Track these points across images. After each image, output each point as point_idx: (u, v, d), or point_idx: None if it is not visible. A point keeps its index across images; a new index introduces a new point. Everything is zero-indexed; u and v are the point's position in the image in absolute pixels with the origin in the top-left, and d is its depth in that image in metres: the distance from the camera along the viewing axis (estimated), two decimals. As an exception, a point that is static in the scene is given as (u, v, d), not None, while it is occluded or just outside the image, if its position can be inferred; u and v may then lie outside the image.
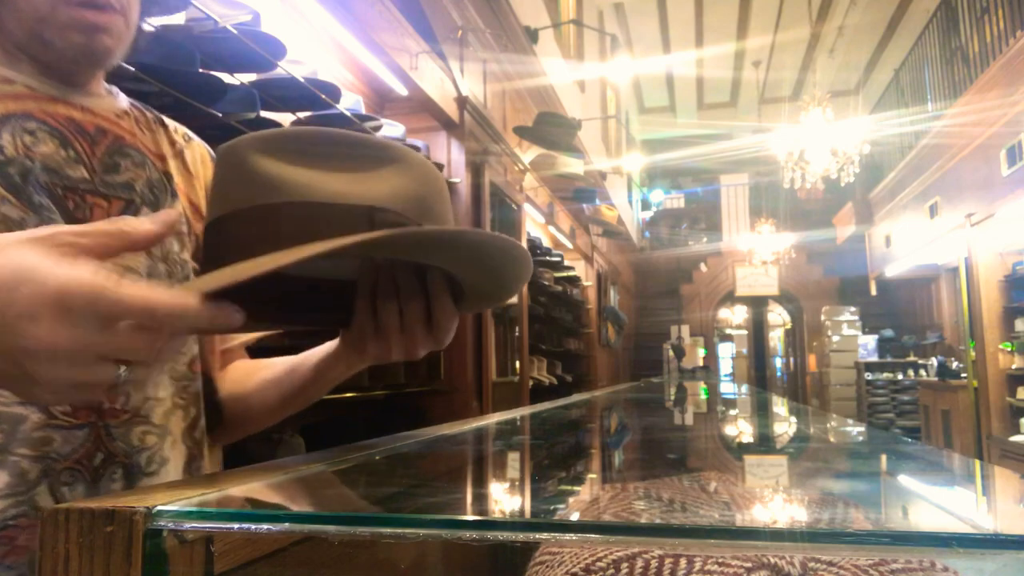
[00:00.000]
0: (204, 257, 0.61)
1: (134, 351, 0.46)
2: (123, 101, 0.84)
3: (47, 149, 0.71)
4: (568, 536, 0.32)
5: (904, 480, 0.59)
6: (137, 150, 0.79)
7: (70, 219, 0.70)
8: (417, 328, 0.66)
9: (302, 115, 2.42)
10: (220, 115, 1.93)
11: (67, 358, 0.44)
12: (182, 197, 0.84)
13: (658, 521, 0.37)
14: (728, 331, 16.77)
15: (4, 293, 0.44)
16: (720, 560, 0.48)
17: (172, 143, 0.86)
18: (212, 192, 0.63)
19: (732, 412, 1.71)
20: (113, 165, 0.76)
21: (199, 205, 0.87)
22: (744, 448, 0.90)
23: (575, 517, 0.39)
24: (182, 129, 0.91)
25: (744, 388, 3.79)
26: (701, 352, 12.70)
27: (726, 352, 16.44)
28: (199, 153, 0.91)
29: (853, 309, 11.40)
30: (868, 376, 10.17)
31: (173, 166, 0.84)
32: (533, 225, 6.42)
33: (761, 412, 1.69)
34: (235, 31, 1.90)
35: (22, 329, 0.43)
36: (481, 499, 0.47)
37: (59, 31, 0.72)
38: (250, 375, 0.88)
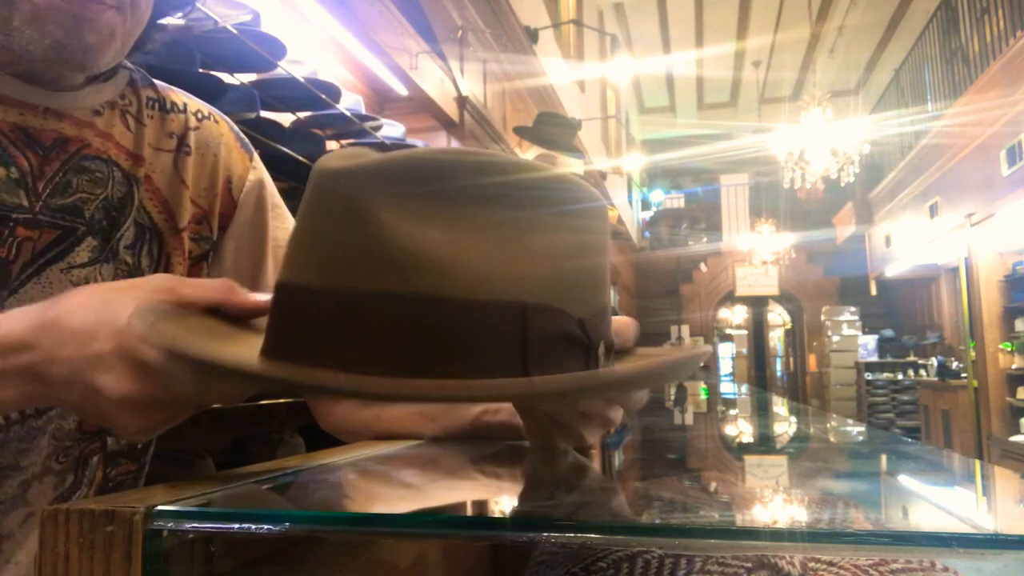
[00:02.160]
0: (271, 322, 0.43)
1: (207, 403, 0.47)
2: (112, 89, 0.70)
3: None
4: (568, 536, 0.32)
5: (904, 480, 0.59)
6: (104, 159, 0.67)
7: None
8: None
9: (302, 115, 2.42)
10: (220, 115, 1.92)
11: (134, 406, 0.44)
12: (152, 202, 0.71)
13: (658, 521, 0.37)
14: (728, 331, 16.76)
15: (80, 336, 0.44)
16: (720, 560, 0.48)
17: (170, 134, 0.73)
18: (296, 238, 0.43)
19: (732, 412, 1.71)
20: (64, 185, 0.64)
21: (200, 201, 0.75)
22: (744, 448, 0.90)
23: (574, 517, 0.39)
24: (196, 105, 0.78)
25: (744, 388, 3.80)
26: (701, 352, 12.67)
27: (726, 352, 16.44)
28: (214, 134, 0.77)
29: (853, 309, 11.40)
30: (868, 376, 10.17)
31: (161, 163, 0.72)
32: (533, 225, 6.42)
33: (761, 412, 1.69)
34: (235, 31, 1.90)
35: (91, 374, 0.44)
36: (480, 500, 0.47)
37: (31, 18, 0.57)
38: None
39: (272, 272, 0.78)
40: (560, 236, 0.42)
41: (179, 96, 0.77)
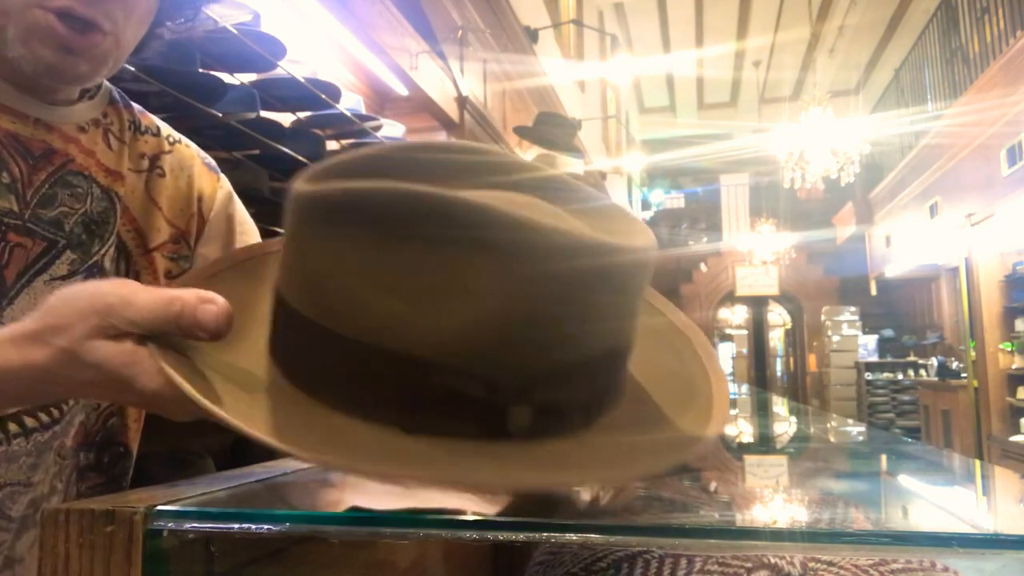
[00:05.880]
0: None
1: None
2: (96, 107, 0.71)
3: None
4: (568, 536, 0.32)
5: (904, 480, 0.59)
6: (85, 175, 0.67)
7: None
8: None
9: (302, 115, 2.42)
10: (220, 115, 1.93)
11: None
12: (124, 224, 0.71)
13: (658, 521, 0.37)
14: (728, 331, 16.75)
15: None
16: (720, 560, 0.48)
17: (141, 155, 0.74)
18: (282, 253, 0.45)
19: (732, 412, 1.71)
20: (50, 197, 0.64)
21: (176, 221, 0.76)
22: (744, 448, 0.90)
23: (575, 517, 0.39)
24: (167, 130, 0.79)
25: (744, 388, 3.80)
26: (701, 352, 12.67)
27: (726, 352, 16.43)
28: (180, 159, 0.78)
29: (853, 309, 11.39)
30: (868, 376, 10.17)
31: (133, 183, 0.72)
32: (533, 225, 6.42)
33: (761, 412, 1.69)
34: (235, 31, 1.90)
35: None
36: (479, 499, 0.47)
37: (25, 39, 0.58)
38: None
39: None
40: (509, 284, 0.35)
41: (152, 120, 0.79)
